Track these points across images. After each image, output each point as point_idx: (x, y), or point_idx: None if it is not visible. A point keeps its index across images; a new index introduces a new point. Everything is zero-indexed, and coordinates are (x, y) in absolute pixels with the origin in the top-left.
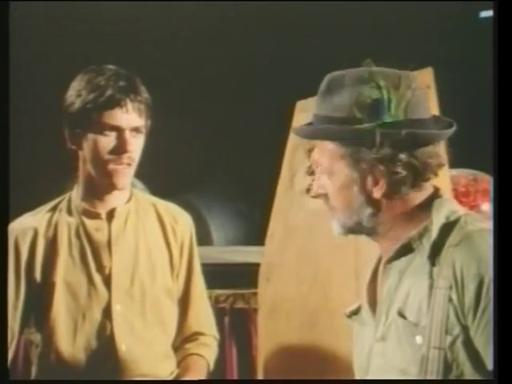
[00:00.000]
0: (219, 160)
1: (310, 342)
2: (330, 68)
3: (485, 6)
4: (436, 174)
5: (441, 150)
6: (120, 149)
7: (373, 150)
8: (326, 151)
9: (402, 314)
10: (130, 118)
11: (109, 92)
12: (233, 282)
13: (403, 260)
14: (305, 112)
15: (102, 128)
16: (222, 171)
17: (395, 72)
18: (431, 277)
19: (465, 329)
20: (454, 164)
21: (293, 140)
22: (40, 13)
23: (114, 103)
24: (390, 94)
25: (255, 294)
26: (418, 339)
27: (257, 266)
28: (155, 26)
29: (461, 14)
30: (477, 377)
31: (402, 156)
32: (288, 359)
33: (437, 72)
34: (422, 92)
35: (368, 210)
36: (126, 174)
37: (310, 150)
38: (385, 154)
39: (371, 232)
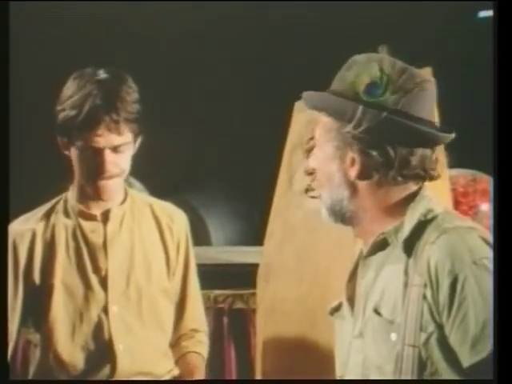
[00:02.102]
0: (218, 160)
1: (308, 343)
2: (330, 68)
3: (484, 6)
4: (419, 181)
5: (440, 162)
6: (99, 169)
7: (353, 126)
8: (321, 124)
9: (377, 311)
10: (109, 138)
11: (87, 112)
12: (232, 282)
13: (380, 255)
14: (303, 112)
15: (81, 145)
16: (220, 171)
17: (404, 65)
18: (406, 274)
19: (439, 326)
20: (453, 164)
21: (292, 140)
22: (39, 12)
23: (92, 123)
24: (389, 81)
25: (254, 294)
26: (393, 336)
27: (256, 266)
28: (155, 25)
29: (459, 13)
30: (451, 374)
31: (382, 141)
32: (286, 359)
33: (436, 72)
34: (426, 93)
35: (346, 192)
36: (108, 188)
37: (309, 150)
38: (364, 132)
39: (353, 219)
